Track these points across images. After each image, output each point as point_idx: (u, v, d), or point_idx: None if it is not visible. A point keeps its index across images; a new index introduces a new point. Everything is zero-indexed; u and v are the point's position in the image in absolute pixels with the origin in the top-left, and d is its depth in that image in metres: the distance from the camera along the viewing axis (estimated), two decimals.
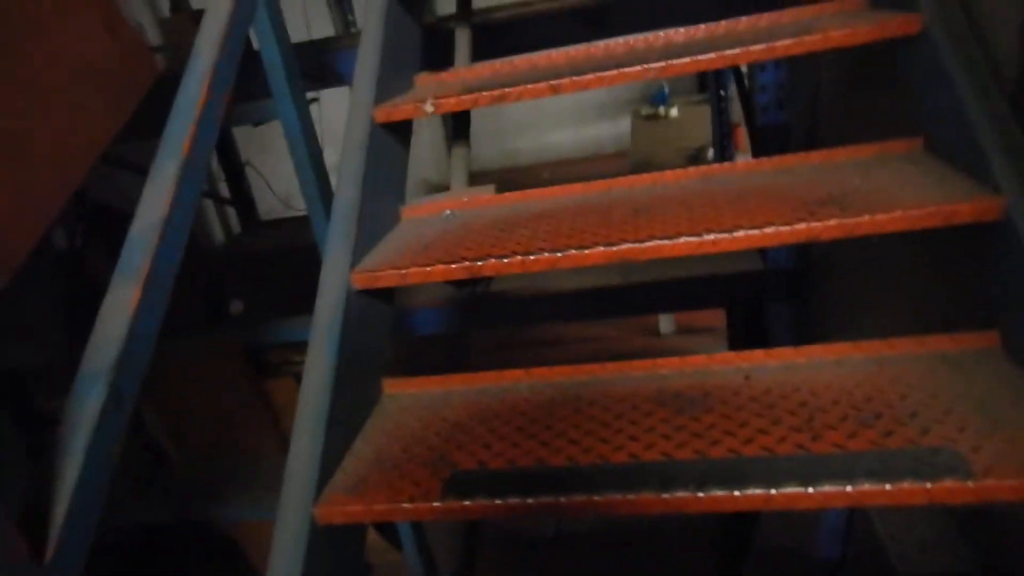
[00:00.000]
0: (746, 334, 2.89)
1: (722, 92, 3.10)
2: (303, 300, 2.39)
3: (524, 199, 1.33)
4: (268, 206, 4.12)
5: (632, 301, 2.39)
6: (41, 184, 0.99)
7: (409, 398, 1.20)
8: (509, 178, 6.26)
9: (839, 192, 1.08)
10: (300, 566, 0.92)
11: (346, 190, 1.24)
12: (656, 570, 2.84)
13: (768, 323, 2.45)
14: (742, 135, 3.16)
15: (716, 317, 3.88)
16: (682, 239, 1.04)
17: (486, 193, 1.40)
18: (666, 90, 4.29)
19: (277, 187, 4.27)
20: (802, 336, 2.30)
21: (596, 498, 0.88)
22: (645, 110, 4.38)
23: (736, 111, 3.16)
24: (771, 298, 2.27)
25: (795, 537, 1.84)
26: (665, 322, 3.90)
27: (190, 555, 2.49)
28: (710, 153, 3.47)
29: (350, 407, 1.11)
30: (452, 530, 2.88)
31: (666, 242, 1.04)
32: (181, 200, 0.81)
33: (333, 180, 1.80)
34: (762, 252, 2.23)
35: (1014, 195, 0.90)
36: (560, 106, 6.53)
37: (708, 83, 4.16)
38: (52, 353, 2.28)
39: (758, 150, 2.24)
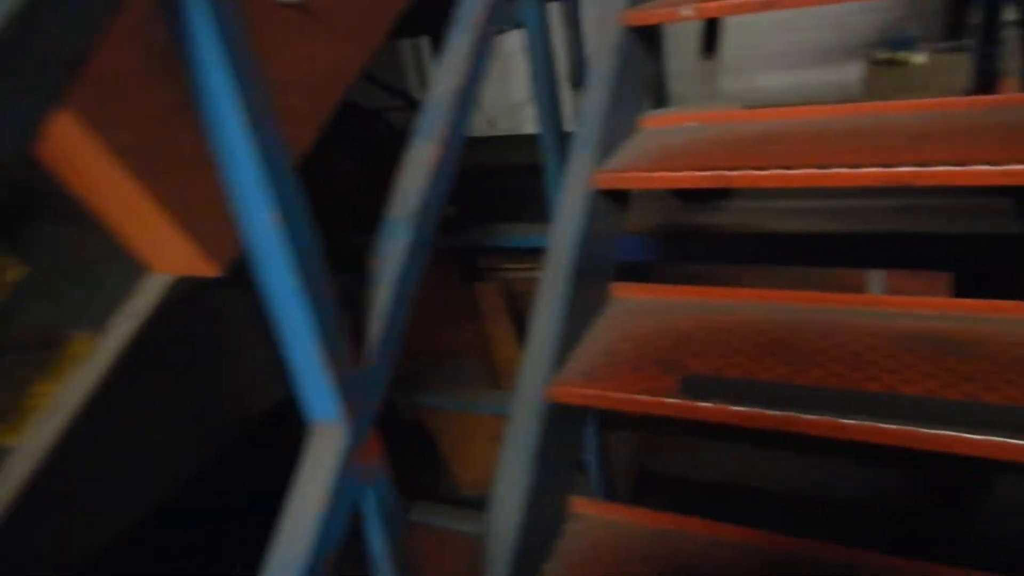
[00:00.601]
0: None
1: (991, 35, 2.72)
2: (509, 213, 2.46)
3: (778, 116, 1.26)
4: (473, 125, 4.27)
5: (849, 252, 2.23)
6: (342, 52, 1.08)
7: (637, 303, 1.21)
8: None
9: None
10: (534, 437, 0.98)
11: (595, 91, 1.24)
12: (822, 536, 2.71)
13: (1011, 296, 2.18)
14: (1008, 87, 2.78)
15: (934, 285, 3.53)
16: (976, 167, 0.94)
17: (733, 108, 1.34)
18: (913, 33, 3.85)
19: (483, 108, 4.38)
20: None
21: (846, 422, 0.85)
22: (883, 54, 3.97)
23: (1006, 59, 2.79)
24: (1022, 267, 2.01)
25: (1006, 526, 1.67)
26: (874, 286, 3.62)
27: (385, 437, 2.72)
28: None
29: (583, 301, 1.14)
30: (623, 465, 2.92)
31: (956, 168, 0.95)
32: (473, 71, 0.84)
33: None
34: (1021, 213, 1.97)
35: None
36: (778, 47, 6.09)
37: (965, 28, 3.68)
38: None
39: None
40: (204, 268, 0.86)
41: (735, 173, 1.06)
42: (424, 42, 4.81)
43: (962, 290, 2.72)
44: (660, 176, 1.11)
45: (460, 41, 0.87)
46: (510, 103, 5.43)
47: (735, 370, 0.98)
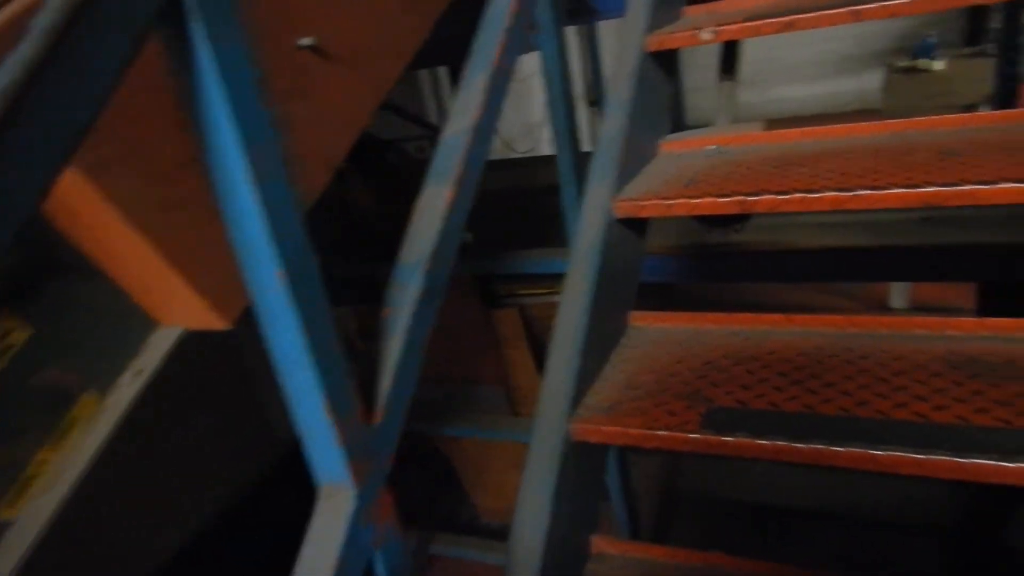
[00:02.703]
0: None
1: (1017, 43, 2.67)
2: (527, 237, 2.44)
3: (801, 137, 1.24)
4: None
5: (873, 266, 2.18)
6: (358, 92, 1.08)
7: (657, 332, 1.18)
8: None
9: None
10: (555, 476, 0.95)
11: (614, 118, 1.22)
12: (868, 558, 2.64)
13: None
14: None
15: (959, 295, 3.45)
16: (1003, 184, 0.91)
17: (754, 130, 1.32)
18: (932, 40, 3.79)
19: (500, 130, 4.39)
20: None
21: (878, 454, 0.82)
22: (902, 62, 3.92)
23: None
24: None
25: None
26: (897, 296, 3.55)
27: (404, 466, 2.70)
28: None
29: (602, 333, 1.12)
30: (648, 486, 2.87)
31: (983, 187, 0.92)
32: (489, 108, 0.84)
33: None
34: None
35: None
36: (797, 58, 6.06)
37: (985, 34, 3.63)
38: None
39: None
40: (213, 321, 0.86)
41: (755, 198, 1.04)
42: (443, 70, 4.84)
43: (988, 300, 2.66)
44: (679, 203, 1.10)
45: (476, 77, 0.87)
46: (528, 123, 5.45)
47: (760, 402, 0.95)
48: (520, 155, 4.59)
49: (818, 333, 1.08)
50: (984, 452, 0.78)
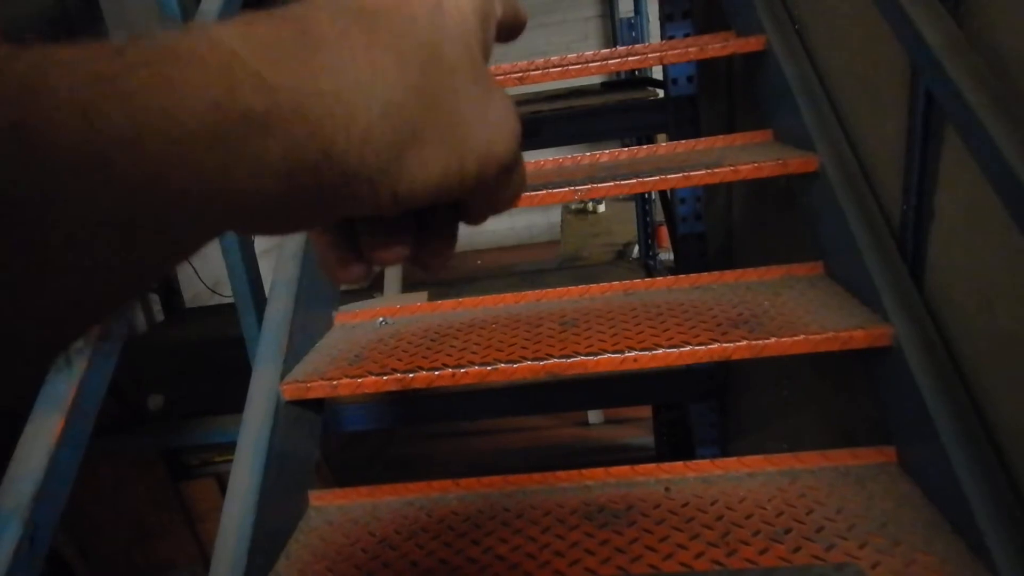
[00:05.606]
0: (670, 426, 2.96)
1: (646, 195, 3.29)
2: (228, 394, 2.33)
3: (456, 308, 1.37)
4: (194, 293, 4.02)
5: (562, 398, 2.44)
6: None
7: (336, 511, 1.19)
8: None
9: (749, 313, 1.16)
10: None
11: (279, 300, 1.25)
12: None
13: (692, 417, 2.53)
14: (665, 234, 3.33)
15: (643, 407, 3.94)
16: (605, 356, 1.09)
17: (418, 301, 1.43)
18: None
19: (204, 273, 4.19)
20: (724, 431, 2.38)
21: None
22: (575, 205, 4.57)
23: (659, 212, 3.34)
24: (694, 396, 2.35)
25: None
26: (593, 413, 3.96)
27: None
28: (636, 250, 3.66)
29: (275, 524, 1.09)
30: None
31: (590, 358, 1.10)
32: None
33: (262, 264, 1.78)
34: None
35: (901, 326, 0.99)
36: None
37: None
38: None
39: (679, 255, 2.37)
40: None
41: (412, 375, 1.12)
42: None
43: (658, 414, 3.08)
44: (344, 383, 1.14)
45: None
46: None
47: None
48: (226, 300, 4.38)
49: (480, 495, 1.17)
50: None
